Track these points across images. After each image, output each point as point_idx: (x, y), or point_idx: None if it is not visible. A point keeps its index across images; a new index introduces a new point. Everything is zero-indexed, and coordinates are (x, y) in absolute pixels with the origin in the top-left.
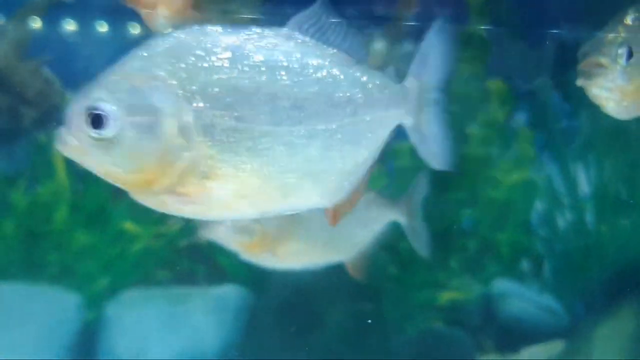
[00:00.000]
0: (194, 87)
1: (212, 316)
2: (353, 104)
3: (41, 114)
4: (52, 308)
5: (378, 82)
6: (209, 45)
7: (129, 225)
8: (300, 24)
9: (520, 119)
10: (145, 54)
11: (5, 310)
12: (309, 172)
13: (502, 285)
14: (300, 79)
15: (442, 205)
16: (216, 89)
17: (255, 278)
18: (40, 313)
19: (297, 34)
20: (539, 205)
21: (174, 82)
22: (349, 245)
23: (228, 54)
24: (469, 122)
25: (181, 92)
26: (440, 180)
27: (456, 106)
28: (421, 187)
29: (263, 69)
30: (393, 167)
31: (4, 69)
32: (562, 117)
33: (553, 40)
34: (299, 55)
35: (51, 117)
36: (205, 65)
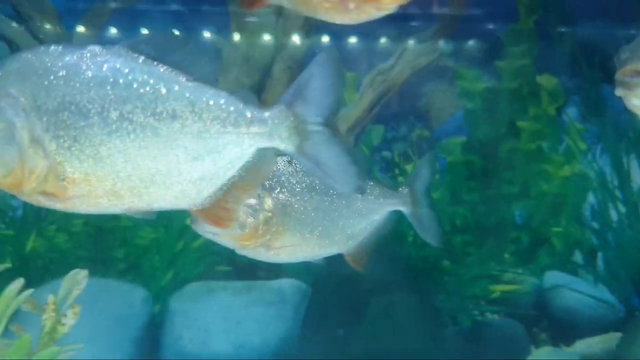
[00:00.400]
0: (38, 103)
1: (271, 308)
2: (180, 119)
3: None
4: (119, 302)
5: (212, 103)
6: (49, 65)
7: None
8: (136, 44)
9: (572, 112)
10: (0, 73)
11: (78, 303)
12: (149, 177)
13: (555, 277)
14: (124, 93)
15: (495, 199)
16: (55, 104)
17: (311, 272)
18: (108, 307)
19: (128, 52)
20: (591, 198)
21: (22, 98)
22: (345, 236)
23: (64, 72)
24: (519, 116)
25: (28, 107)
26: (492, 174)
27: (507, 100)
28: (424, 174)
29: (91, 84)
30: (445, 162)
31: None
32: (614, 110)
33: (604, 33)
34: (126, 72)
35: None
36: (46, 83)
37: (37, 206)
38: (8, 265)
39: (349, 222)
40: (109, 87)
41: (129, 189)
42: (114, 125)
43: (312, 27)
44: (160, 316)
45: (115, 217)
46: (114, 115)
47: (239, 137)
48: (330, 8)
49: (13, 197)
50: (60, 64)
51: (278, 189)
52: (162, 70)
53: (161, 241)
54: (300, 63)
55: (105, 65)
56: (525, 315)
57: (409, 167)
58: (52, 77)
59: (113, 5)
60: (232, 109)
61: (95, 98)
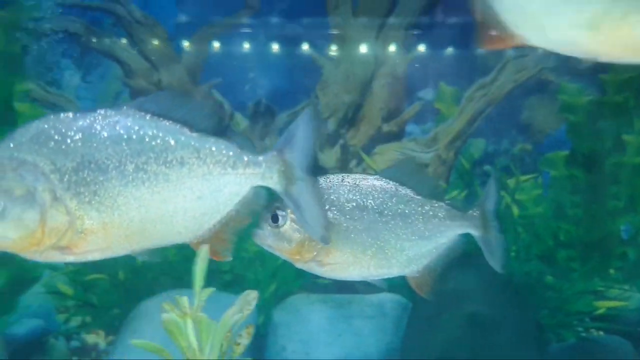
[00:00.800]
0: (58, 165)
1: (371, 322)
2: (187, 165)
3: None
4: (224, 313)
5: (214, 149)
6: (64, 130)
7: None
8: (142, 104)
9: None
10: (12, 145)
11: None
12: (159, 218)
13: None
14: (139, 147)
15: (600, 214)
16: (75, 164)
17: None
18: (215, 317)
19: (135, 112)
20: None
21: (40, 164)
22: (406, 258)
23: (80, 135)
24: (625, 129)
25: (48, 170)
26: (597, 189)
27: (611, 113)
28: (492, 195)
29: (108, 142)
30: (548, 177)
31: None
32: None
33: None
34: (137, 128)
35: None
36: (64, 146)
37: None
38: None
39: (408, 243)
40: (124, 143)
41: (139, 231)
42: (130, 176)
43: (412, 42)
44: (264, 327)
45: None
46: (130, 167)
47: (237, 177)
48: None
49: None
50: (75, 128)
51: (326, 207)
52: (168, 124)
53: (265, 254)
54: (399, 79)
55: (118, 125)
56: (632, 333)
57: (511, 182)
58: (69, 141)
59: (218, 26)
60: (231, 153)
61: (113, 154)
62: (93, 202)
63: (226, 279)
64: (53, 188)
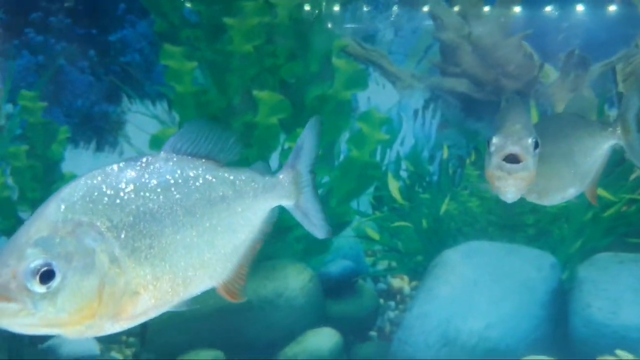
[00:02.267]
0: (114, 222)
1: None
2: (226, 200)
3: (521, 85)
4: (528, 266)
5: (244, 178)
6: (114, 184)
7: (601, 192)
8: (174, 144)
9: None
10: (64, 206)
11: (488, 266)
12: (201, 263)
13: None
14: (186, 190)
15: None
16: (131, 218)
17: None
18: (517, 270)
19: (172, 155)
20: None
21: (97, 222)
22: (579, 177)
23: (131, 187)
24: None
25: (104, 229)
26: None
27: None
28: (632, 104)
29: (159, 190)
30: None
31: (490, 46)
32: None
33: None
34: (179, 172)
35: (529, 88)
36: (118, 201)
37: (452, 173)
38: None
39: (581, 164)
40: (173, 189)
41: (183, 281)
42: (181, 222)
43: None
44: (568, 283)
45: None
46: (180, 213)
47: (266, 202)
48: None
49: (431, 162)
50: (125, 180)
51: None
52: (203, 162)
53: (571, 210)
54: None
55: (162, 170)
56: None
57: None
58: (121, 194)
59: None
60: (259, 179)
61: (165, 202)
62: (148, 256)
63: (529, 233)
64: (111, 248)
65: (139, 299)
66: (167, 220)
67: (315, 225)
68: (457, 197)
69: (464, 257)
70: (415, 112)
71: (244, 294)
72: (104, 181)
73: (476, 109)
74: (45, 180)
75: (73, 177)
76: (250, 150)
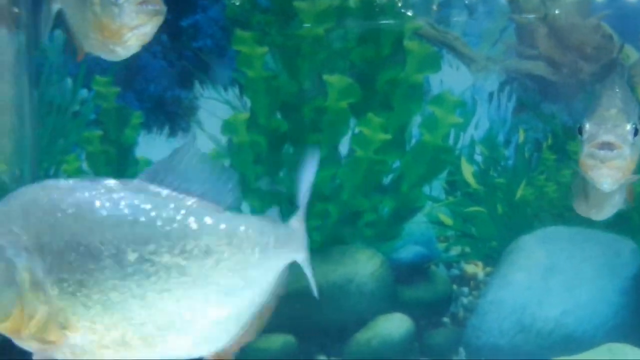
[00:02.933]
0: (43, 242)
1: None
2: (214, 254)
3: (598, 68)
4: (606, 251)
5: (245, 229)
6: (57, 202)
7: None
8: (155, 173)
9: None
10: (3, 209)
11: (564, 251)
12: (169, 324)
13: None
14: (148, 232)
15: None
16: (62, 244)
17: None
18: (595, 256)
19: (149, 186)
20: None
21: (25, 237)
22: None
23: (74, 210)
24: None
25: (32, 246)
26: None
27: None
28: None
29: (106, 223)
30: None
31: (568, 27)
32: None
33: None
34: (148, 208)
35: (608, 70)
36: (53, 221)
37: (528, 157)
38: None
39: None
40: (126, 226)
41: (141, 338)
42: (130, 269)
43: None
44: None
45: None
46: (131, 257)
47: (278, 261)
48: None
49: (506, 146)
50: (70, 200)
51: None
52: (189, 203)
53: None
54: None
55: (123, 202)
56: None
57: None
58: (59, 214)
59: None
60: (270, 230)
61: (110, 238)
62: (78, 294)
63: (609, 219)
64: (34, 268)
65: (68, 335)
66: (109, 260)
67: (310, 277)
68: (533, 182)
69: (540, 243)
70: (490, 95)
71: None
72: (49, 194)
73: (553, 92)
74: (118, 165)
75: (146, 162)
76: (320, 135)
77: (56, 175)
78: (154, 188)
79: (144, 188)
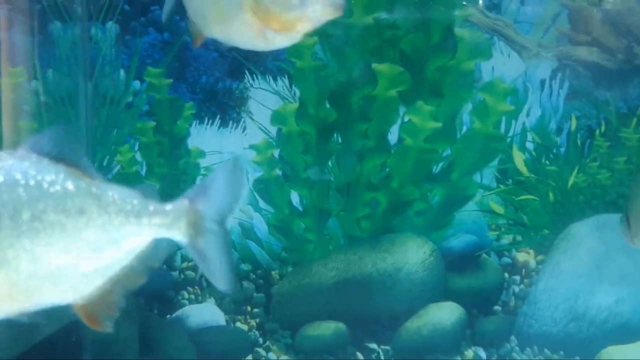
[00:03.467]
0: None
1: None
2: (86, 214)
3: None
4: None
5: (115, 196)
6: None
7: None
8: (36, 144)
9: None
10: None
11: (618, 240)
12: (49, 275)
13: None
14: (37, 193)
15: None
16: None
17: None
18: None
19: (32, 155)
20: None
21: None
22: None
23: None
24: None
25: None
26: None
27: None
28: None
29: (3, 188)
30: None
31: (623, 13)
32: None
33: None
34: (34, 173)
35: None
36: None
37: (581, 145)
38: None
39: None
40: (21, 189)
41: (24, 290)
42: (24, 226)
43: None
44: None
45: None
46: (25, 216)
47: (140, 228)
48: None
49: (558, 134)
50: None
51: None
52: (67, 169)
53: None
54: None
55: (14, 169)
56: None
57: None
58: None
59: None
60: (135, 202)
61: (8, 201)
62: None
63: None
64: None
65: None
66: (8, 221)
67: (214, 275)
68: (585, 169)
69: (592, 231)
70: (542, 82)
71: (110, 325)
72: None
73: (606, 79)
74: (171, 155)
75: (199, 152)
76: (369, 124)
77: (109, 165)
78: (37, 157)
79: (28, 156)
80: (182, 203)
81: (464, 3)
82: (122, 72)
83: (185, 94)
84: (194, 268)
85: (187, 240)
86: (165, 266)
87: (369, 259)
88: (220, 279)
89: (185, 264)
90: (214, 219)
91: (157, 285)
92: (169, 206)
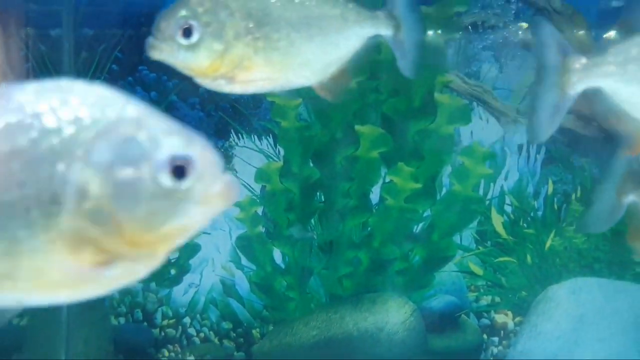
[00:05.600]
0: (246, 13)
1: None
2: (331, 18)
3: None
4: (637, 304)
5: (347, 4)
6: None
7: None
8: None
9: None
10: None
11: (594, 303)
12: (307, 61)
13: None
14: (307, 3)
15: None
16: (259, 14)
17: None
18: (626, 308)
19: None
20: None
21: (236, 13)
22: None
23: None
24: None
25: (238, 15)
26: None
27: None
28: None
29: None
30: None
31: None
32: None
33: None
34: None
35: None
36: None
37: (557, 209)
38: None
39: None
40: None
41: (290, 70)
42: (298, 25)
43: None
44: None
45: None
46: (301, 19)
47: (361, 29)
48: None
49: (536, 198)
50: None
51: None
52: None
53: None
54: None
55: None
56: None
57: None
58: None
59: None
60: (358, 10)
61: (286, 8)
62: (267, 47)
63: (636, 271)
64: (235, 28)
65: (250, 72)
66: (286, 22)
67: (405, 61)
68: (562, 233)
69: (569, 294)
70: (520, 147)
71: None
72: None
73: (582, 145)
74: None
75: None
76: (351, 183)
77: None
78: None
79: None
80: (385, 11)
81: (445, 69)
82: None
83: None
84: (175, 325)
85: (391, 33)
86: (145, 323)
87: (350, 318)
88: (407, 66)
89: (166, 322)
90: (409, 8)
91: (137, 342)
92: (378, 12)
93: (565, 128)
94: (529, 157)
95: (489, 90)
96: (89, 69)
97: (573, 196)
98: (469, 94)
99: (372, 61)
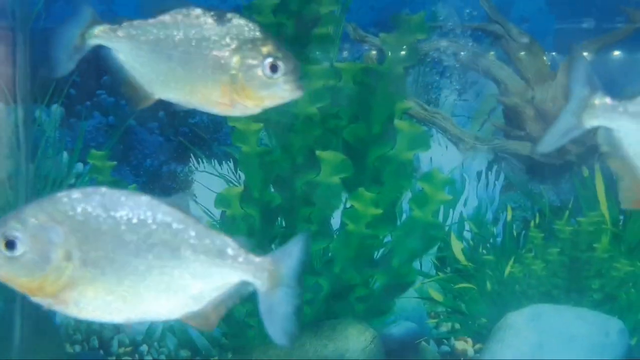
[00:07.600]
0: (79, 235)
1: None
2: (192, 249)
3: (584, 150)
4: (595, 331)
5: (218, 241)
6: (93, 203)
7: None
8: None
9: None
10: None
11: (553, 330)
12: (155, 295)
13: None
14: (153, 228)
15: None
16: (93, 235)
17: None
18: (584, 335)
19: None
20: None
21: (67, 228)
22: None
23: (113, 213)
24: None
25: (70, 233)
26: None
27: None
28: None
29: (126, 220)
30: None
31: (554, 110)
32: None
33: None
34: (149, 214)
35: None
36: (92, 222)
37: (516, 235)
38: None
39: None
40: (147, 225)
41: (141, 300)
42: (134, 251)
43: None
44: (637, 349)
45: (591, 249)
46: (144, 248)
47: (233, 270)
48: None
49: (495, 224)
50: (107, 206)
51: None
52: (180, 214)
53: (638, 274)
54: None
55: (138, 209)
56: None
57: None
58: (95, 215)
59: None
60: (236, 248)
61: (126, 232)
62: (100, 270)
63: (595, 298)
64: (69, 248)
65: (82, 298)
66: (129, 248)
67: (275, 327)
68: (521, 260)
69: (528, 321)
70: (479, 173)
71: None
72: (90, 198)
73: (540, 172)
74: None
75: None
76: (312, 208)
77: None
78: (153, 199)
79: (145, 201)
80: (269, 259)
81: (405, 97)
82: (65, 154)
83: (129, 176)
84: (132, 353)
85: (264, 290)
86: (101, 351)
87: (310, 346)
88: (277, 334)
89: (122, 349)
90: (291, 277)
91: None
92: (257, 259)
93: (523, 155)
94: (487, 183)
95: (447, 117)
96: (46, 94)
97: (532, 223)
98: (428, 121)
99: (332, 88)
